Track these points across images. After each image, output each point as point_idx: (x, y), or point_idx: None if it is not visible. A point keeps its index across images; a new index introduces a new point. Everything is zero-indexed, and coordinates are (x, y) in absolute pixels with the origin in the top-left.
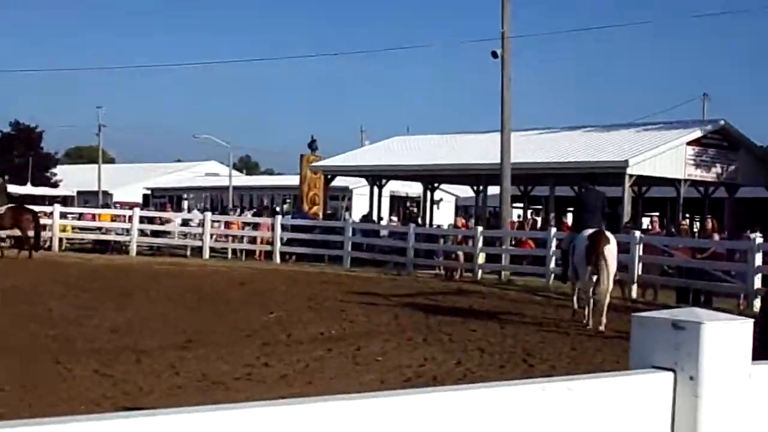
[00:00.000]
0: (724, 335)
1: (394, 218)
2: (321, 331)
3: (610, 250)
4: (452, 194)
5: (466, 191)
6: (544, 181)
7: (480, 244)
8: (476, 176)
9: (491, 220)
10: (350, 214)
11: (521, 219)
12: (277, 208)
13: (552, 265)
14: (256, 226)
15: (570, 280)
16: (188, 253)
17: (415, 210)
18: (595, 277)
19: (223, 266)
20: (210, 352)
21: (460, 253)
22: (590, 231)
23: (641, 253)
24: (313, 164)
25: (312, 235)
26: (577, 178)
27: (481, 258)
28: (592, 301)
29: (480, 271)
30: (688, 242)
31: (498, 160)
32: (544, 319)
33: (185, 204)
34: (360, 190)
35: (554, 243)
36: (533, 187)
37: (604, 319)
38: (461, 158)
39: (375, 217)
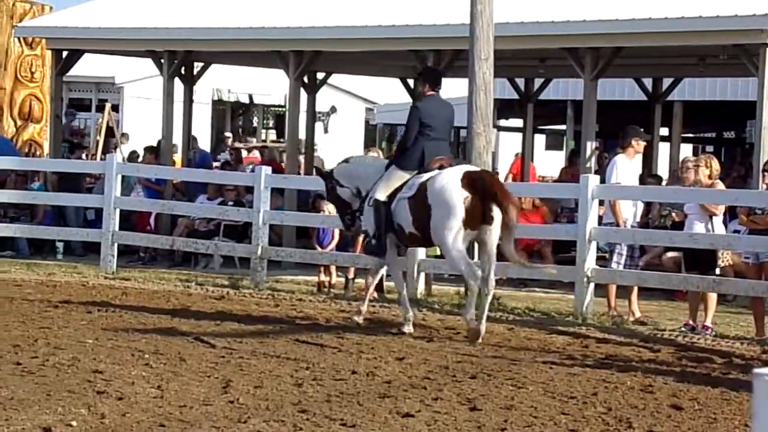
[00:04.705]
0: None
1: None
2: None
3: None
4: (360, 98)
5: (389, 92)
6: (567, 67)
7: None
8: (413, 56)
9: (457, 153)
10: (120, 143)
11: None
12: None
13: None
14: None
15: (387, 262)
16: None
17: (273, 131)
18: (492, 242)
19: None
20: None
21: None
22: (454, 166)
23: None
24: (24, 24)
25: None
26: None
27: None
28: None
29: (422, 279)
30: None
31: (462, 19)
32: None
33: None
34: (141, 86)
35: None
36: (548, 83)
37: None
38: (375, 14)
39: (180, 147)
